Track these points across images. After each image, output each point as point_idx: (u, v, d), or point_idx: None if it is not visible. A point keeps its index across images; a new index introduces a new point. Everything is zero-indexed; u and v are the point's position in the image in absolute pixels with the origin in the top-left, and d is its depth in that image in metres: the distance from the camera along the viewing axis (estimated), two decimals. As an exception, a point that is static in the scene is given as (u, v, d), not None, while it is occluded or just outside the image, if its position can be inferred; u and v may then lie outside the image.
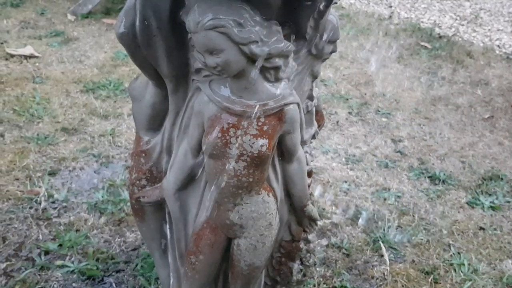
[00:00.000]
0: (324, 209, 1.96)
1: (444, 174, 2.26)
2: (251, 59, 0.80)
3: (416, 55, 3.57)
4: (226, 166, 0.84)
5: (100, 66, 2.95)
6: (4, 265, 1.58)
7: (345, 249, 1.76)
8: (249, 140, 0.83)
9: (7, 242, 1.67)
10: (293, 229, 1.00)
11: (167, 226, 1.06)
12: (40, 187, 1.93)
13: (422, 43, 3.76)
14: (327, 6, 0.80)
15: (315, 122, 0.96)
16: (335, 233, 1.85)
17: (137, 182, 1.02)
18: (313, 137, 0.97)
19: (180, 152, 0.93)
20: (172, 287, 1.12)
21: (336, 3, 0.81)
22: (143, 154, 1.00)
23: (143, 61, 0.87)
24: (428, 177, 2.25)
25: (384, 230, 1.87)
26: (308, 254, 1.03)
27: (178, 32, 0.82)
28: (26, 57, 2.92)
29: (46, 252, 1.65)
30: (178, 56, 0.86)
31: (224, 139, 0.84)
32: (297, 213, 0.98)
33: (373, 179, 2.20)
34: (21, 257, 1.63)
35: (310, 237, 1.01)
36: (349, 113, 2.75)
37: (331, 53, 0.93)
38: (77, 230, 1.74)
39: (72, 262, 1.61)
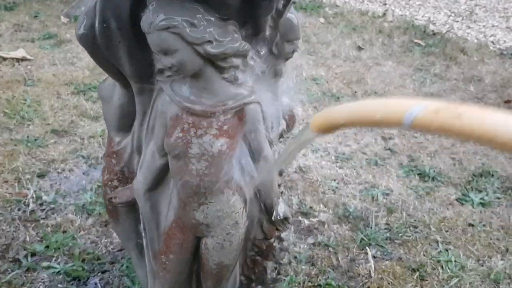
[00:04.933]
0: (311, 207, 1.96)
1: (434, 171, 2.26)
2: (208, 59, 0.81)
3: (409, 52, 3.57)
4: (189, 166, 0.85)
5: (92, 68, 2.95)
6: (-9, 267, 1.60)
7: (331, 247, 1.76)
8: (209, 140, 0.83)
9: (-6, 244, 1.69)
10: (265, 227, 1.00)
11: (142, 227, 1.06)
12: (28, 189, 1.94)
13: (416, 40, 3.76)
14: (285, 6, 0.80)
15: (282, 121, 0.96)
16: (321, 231, 1.85)
17: (109, 183, 1.03)
18: (281, 136, 0.97)
19: (148, 153, 0.93)
20: (150, 287, 1.13)
21: (295, 2, 0.82)
22: (114, 155, 1.01)
23: (105, 63, 0.87)
24: (418, 174, 2.24)
25: (371, 227, 1.87)
26: (282, 252, 1.03)
27: (140, 33, 0.82)
28: (18, 60, 2.94)
29: (33, 254, 1.65)
30: (141, 57, 0.86)
31: (185, 139, 0.84)
32: (267, 211, 0.99)
33: (362, 177, 2.20)
34: (8, 258, 1.63)
35: (283, 235, 1.01)
36: (340, 111, 2.75)
37: (293, 52, 0.93)
38: (64, 232, 1.75)
39: (58, 263, 1.61)
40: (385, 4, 4.64)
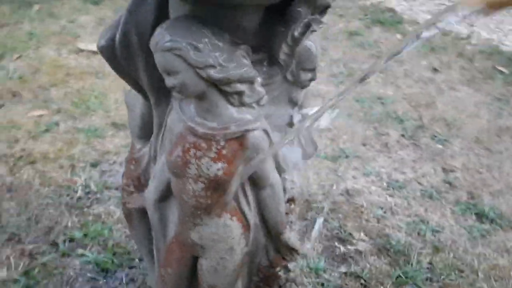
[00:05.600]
0: (351, 234, 1.88)
1: (494, 213, 2.07)
2: (212, 83, 0.79)
3: (490, 80, 3.31)
4: (186, 186, 0.84)
5: (160, 66, 3.06)
6: (31, 246, 1.69)
7: (364, 280, 1.67)
8: (207, 162, 0.81)
9: (39, 226, 1.79)
10: (271, 255, 0.97)
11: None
12: (80, 177, 2.04)
13: (499, 67, 3.49)
14: (302, 33, 0.76)
15: (299, 149, 0.92)
16: (357, 261, 1.76)
17: (127, 187, 1.05)
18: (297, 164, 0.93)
19: (160, 164, 0.93)
20: (159, 293, 1.13)
21: (315, 31, 0.77)
22: (134, 161, 1.02)
23: (125, 75, 0.89)
24: (475, 213, 2.07)
25: (412, 265, 1.75)
26: (288, 283, 0.99)
27: (160, 48, 0.82)
28: (95, 52, 3.10)
29: (71, 240, 1.73)
30: (158, 71, 0.86)
31: (184, 159, 0.83)
32: (274, 239, 0.95)
33: (413, 209, 2.07)
34: (48, 241, 1.73)
35: (290, 266, 0.96)
36: (402, 135, 2.61)
37: (310, 81, 0.88)
38: (103, 222, 1.82)
39: (92, 253, 1.68)
40: (472, 26, 4.35)
